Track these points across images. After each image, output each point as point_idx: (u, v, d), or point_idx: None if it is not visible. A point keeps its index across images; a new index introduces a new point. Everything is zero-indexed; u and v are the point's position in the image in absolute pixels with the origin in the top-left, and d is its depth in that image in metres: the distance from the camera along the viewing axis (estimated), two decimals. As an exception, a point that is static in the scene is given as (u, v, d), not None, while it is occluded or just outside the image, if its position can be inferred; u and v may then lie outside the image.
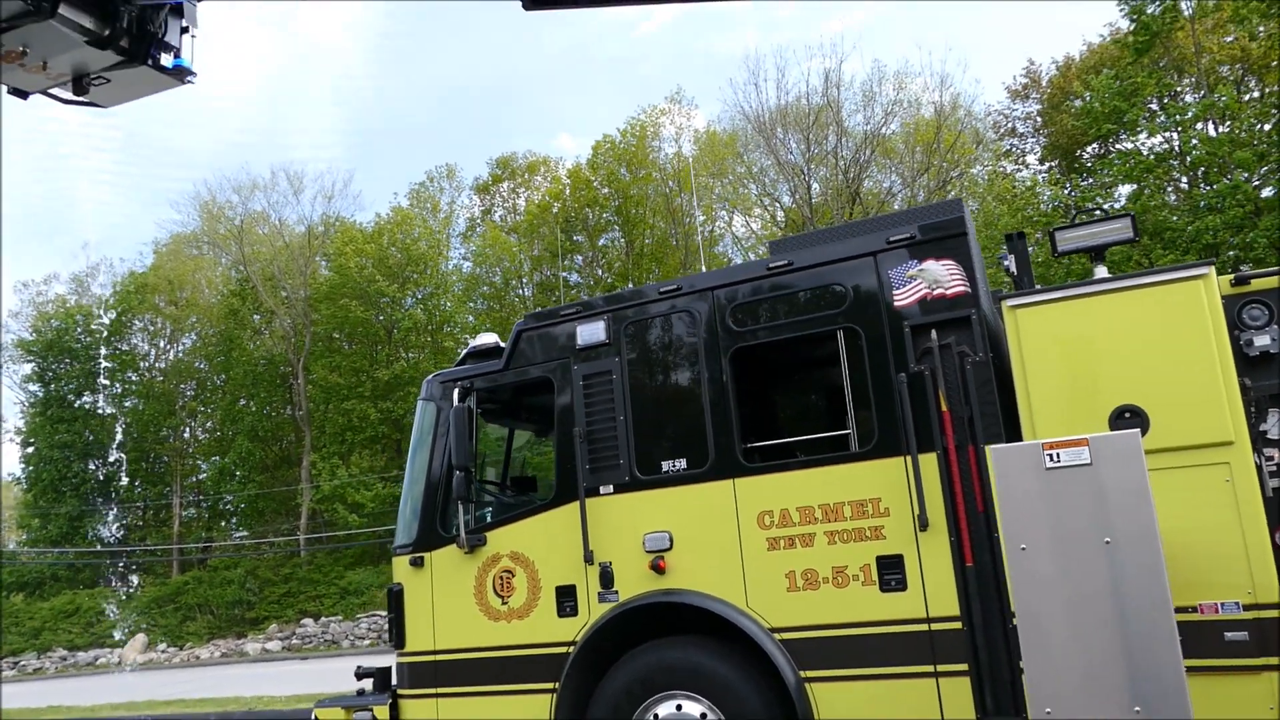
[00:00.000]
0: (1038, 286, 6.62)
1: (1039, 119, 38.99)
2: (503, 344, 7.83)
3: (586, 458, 6.96)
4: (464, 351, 8.15)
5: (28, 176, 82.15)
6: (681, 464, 6.64)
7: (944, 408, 5.89)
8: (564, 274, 44.51)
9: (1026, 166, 37.86)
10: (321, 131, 78.98)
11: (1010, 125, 40.07)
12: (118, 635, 42.07)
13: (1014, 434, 5.78)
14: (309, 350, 46.36)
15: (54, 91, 11.29)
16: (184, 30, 11.46)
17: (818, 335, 6.55)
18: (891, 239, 6.35)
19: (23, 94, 11.27)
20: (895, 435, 6.00)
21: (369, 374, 44.59)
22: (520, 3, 9.20)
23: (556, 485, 7.18)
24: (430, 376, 8.06)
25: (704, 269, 36.34)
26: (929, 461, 5.86)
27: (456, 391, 7.47)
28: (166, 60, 11.01)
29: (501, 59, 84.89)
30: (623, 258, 44.33)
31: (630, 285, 43.23)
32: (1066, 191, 30.78)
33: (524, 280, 46.88)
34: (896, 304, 6.20)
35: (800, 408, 8.88)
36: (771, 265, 6.71)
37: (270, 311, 48.37)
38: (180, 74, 11.13)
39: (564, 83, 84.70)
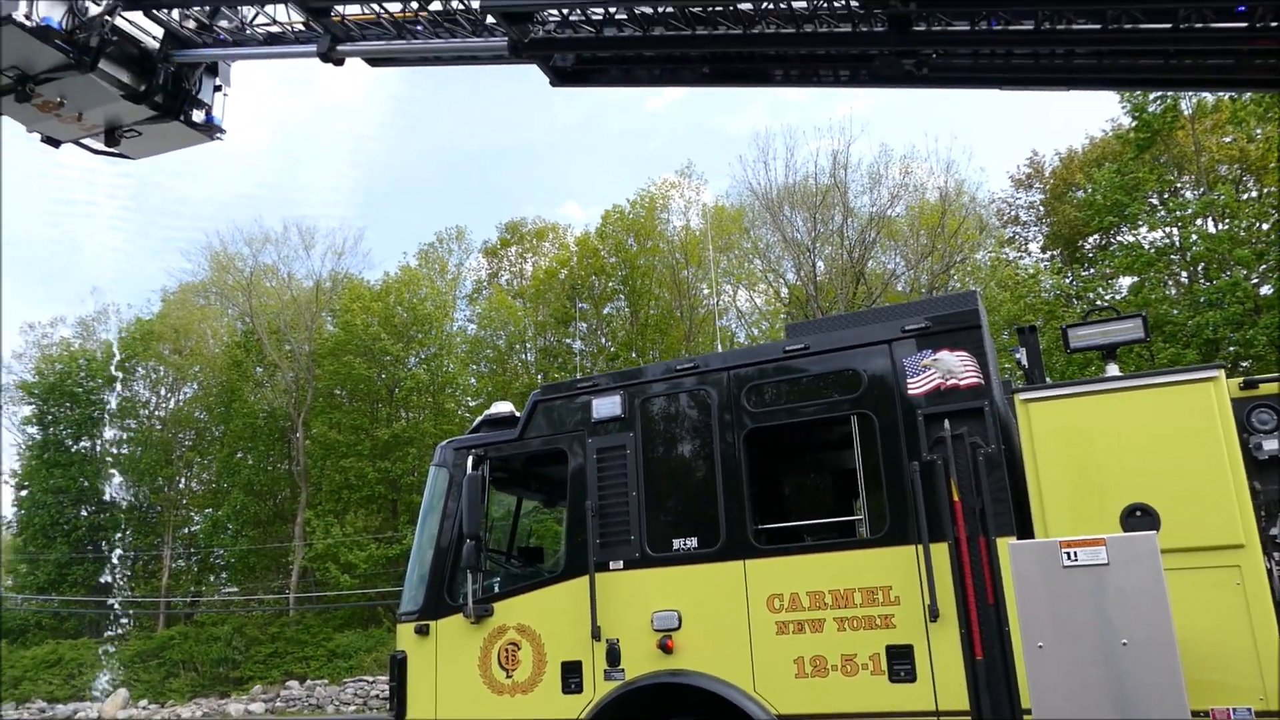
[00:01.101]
0: (1049, 381, 6.75)
1: (1041, 208, 39.61)
2: (518, 413, 7.92)
3: (597, 532, 7.01)
4: (478, 419, 8.23)
5: (37, 219, 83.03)
6: (693, 543, 6.68)
7: (955, 498, 5.96)
8: (568, 341, 44.75)
9: (1029, 254, 38.37)
10: (334, 189, 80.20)
11: (1013, 213, 40.69)
12: (98, 688, 41.28)
13: (1024, 526, 5.84)
14: (310, 405, 46.35)
15: (85, 141, 11.62)
16: (217, 88, 11.81)
17: (832, 419, 6.65)
18: (906, 328, 6.49)
19: (55, 143, 11.59)
20: (907, 523, 6.06)
21: (369, 432, 44.51)
22: (548, 79, 9.49)
23: (566, 558, 7.21)
24: (444, 442, 8.13)
25: (714, 342, 36.57)
26: (940, 551, 5.90)
27: (470, 459, 7.54)
28: (198, 116, 11.37)
29: (513, 127, 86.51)
30: (627, 327, 44.61)
31: (634, 354, 43.47)
32: (1068, 281, 31.17)
33: (528, 345, 47.10)
34: (910, 392, 6.31)
35: (813, 491, 8.94)
36: (788, 348, 6.84)
37: (274, 365, 48.48)
38: (210, 130, 11.53)
39: (574, 153, 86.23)
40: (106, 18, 9.66)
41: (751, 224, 41.62)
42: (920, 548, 5.94)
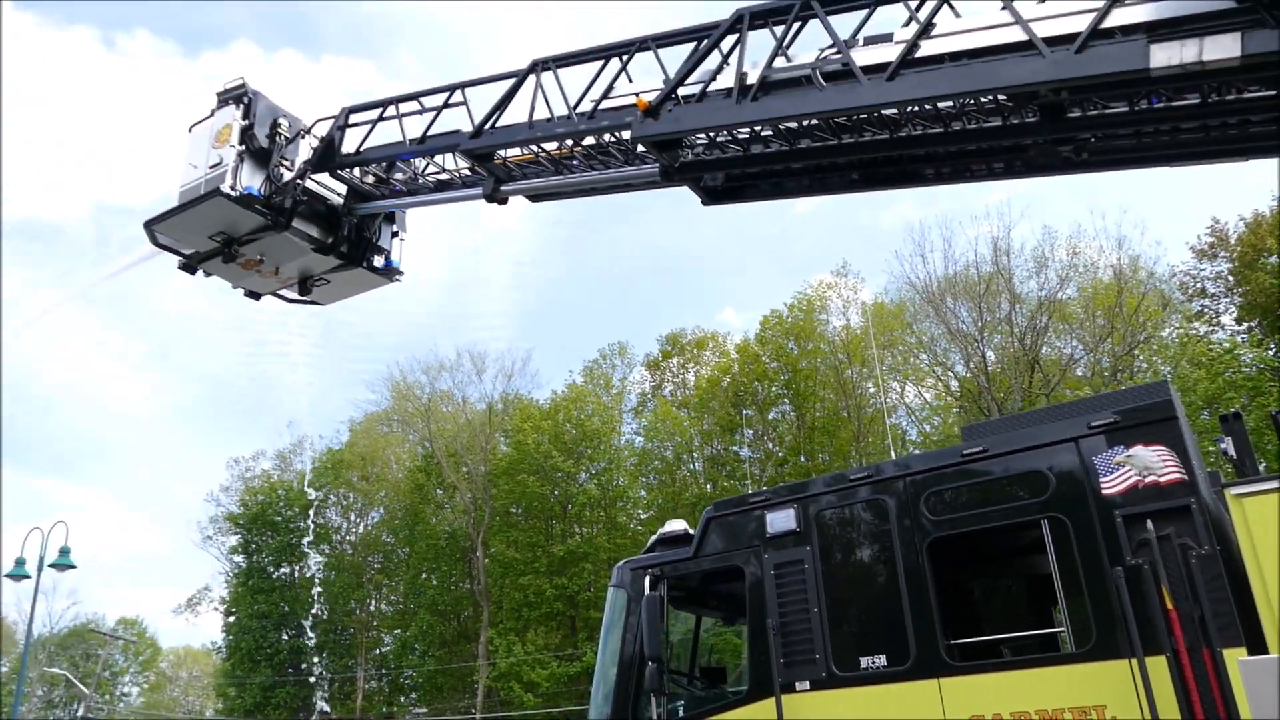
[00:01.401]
0: (1263, 471, 6.21)
1: (1230, 278, 37.04)
2: (691, 531, 7.90)
3: (780, 650, 6.81)
4: (653, 538, 8.25)
5: (236, 361, 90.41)
6: (881, 660, 6.39)
7: (1170, 606, 5.49)
8: (735, 448, 44.53)
9: (1222, 327, 35.75)
10: (500, 314, 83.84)
11: (1199, 285, 38.18)
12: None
13: (1254, 637, 5.30)
14: (488, 525, 47.64)
15: (282, 293, 12.67)
16: (394, 234, 12.71)
17: (1020, 524, 6.31)
18: (1093, 424, 6.15)
19: (256, 296, 12.70)
20: (1115, 635, 5.61)
21: (545, 549, 45.22)
22: (700, 199, 9.74)
23: (750, 679, 7.03)
24: (621, 563, 8.17)
25: (885, 441, 35.57)
26: (1158, 665, 5.42)
27: (647, 579, 7.54)
28: (378, 261, 12.25)
29: (664, 241, 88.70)
30: (794, 431, 44.05)
31: (803, 458, 42.74)
32: (1271, 353, 28.81)
33: (695, 454, 47.13)
34: (1105, 492, 5.93)
35: (1005, 601, 8.45)
36: (966, 452, 6.59)
37: (453, 486, 50.31)
38: (390, 273, 12.38)
39: (726, 260, 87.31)
40: (298, 181, 10.65)
41: (913, 318, 40.77)
42: (1134, 662, 5.47)
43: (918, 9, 7.70)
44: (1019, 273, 37.99)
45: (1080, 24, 6.84)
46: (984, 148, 8.24)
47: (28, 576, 24.67)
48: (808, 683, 6.62)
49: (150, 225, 10.68)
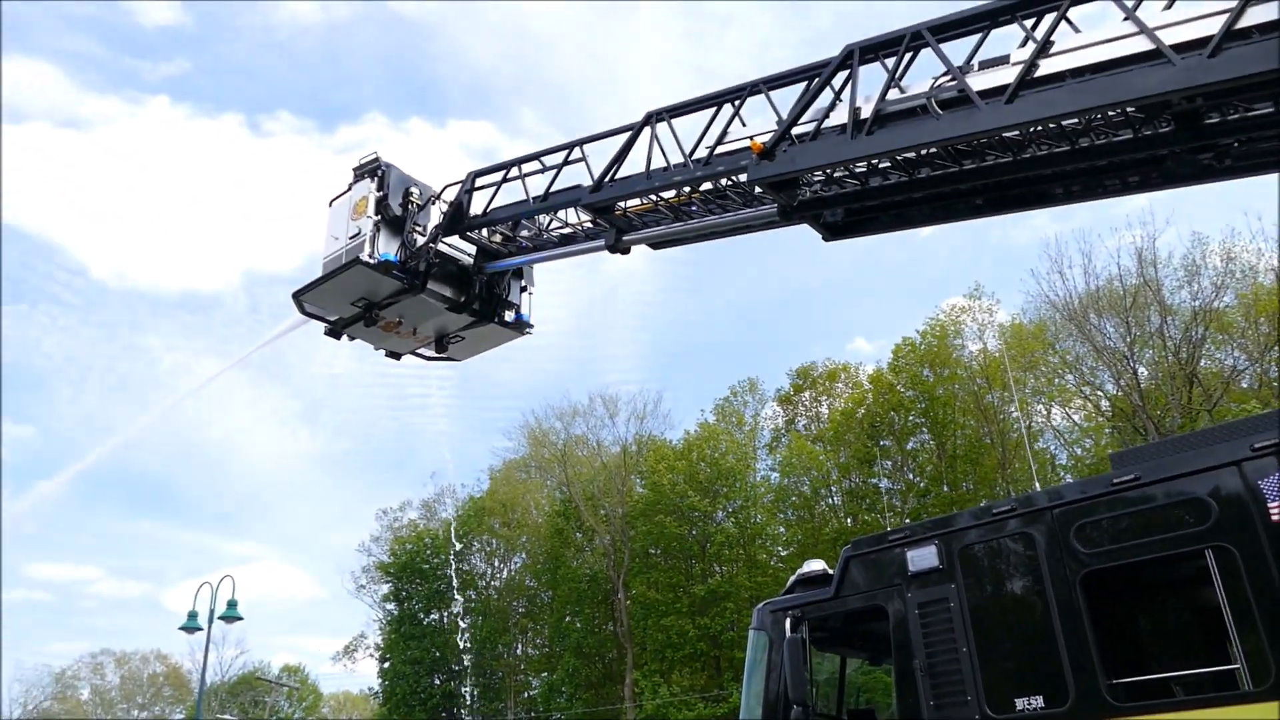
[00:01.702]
0: None
1: None
2: (830, 570, 7.79)
3: (929, 693, 6.62)
4: (791, 579, 8.17)
5: (381, 415, 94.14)
6: (1038, 701, 6.13)
7: (1355, 639, 5.10)
8: (874, 480, 43.54)
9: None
10: (630, 356, 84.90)
11: (1375, 283, 35.39)
12: None
13: None
14: (628, 567, 47.88)
15: (420, 351, 13.22)
16: (523, 289, 13.13)
17: (1181, 555, 5.98)
18: (1257, 445, 5.79)
19: (396, 356, 13.29)
20: (1296, 671, 5.23)
21: (685, 589, 45.09)
22: (820, 235, 9.69)
23: (899, 722, 6.85)
24: (761, 605, 8.12)
25: (1030, 467, 34.15)
26: (1346, 704, 5.03)
27: (788, 621, 7.47)
28: (509, 316, 12.66)
29: (789, 273, 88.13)
30: (934, 460, 42.78)
31: (946, 487, 41.44)
32: None
33: (833, 489, 46.31)
34: (1276, 519, 5.57)
35: (1168, 636, 7.97)
36: (1116, 480, 6.30)
37: (591, 529, 50.87)
38: (520, 327, 12.78)
39: (852, 290, 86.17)
40: (430, 245, 11.15)
41: (1055, 337, 39.14)
42: (1320, 700, 5.10)
43: (1033, 28, 7.54)
44: (1168, 283, 36.07)
45: (1211, 27, 6.57)
46: (1116, 162, 7.95)
47: (200, 629, 26.22)
48: (961, 726, 6.40)
49: (298, 296, 11.37)
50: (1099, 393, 38.51)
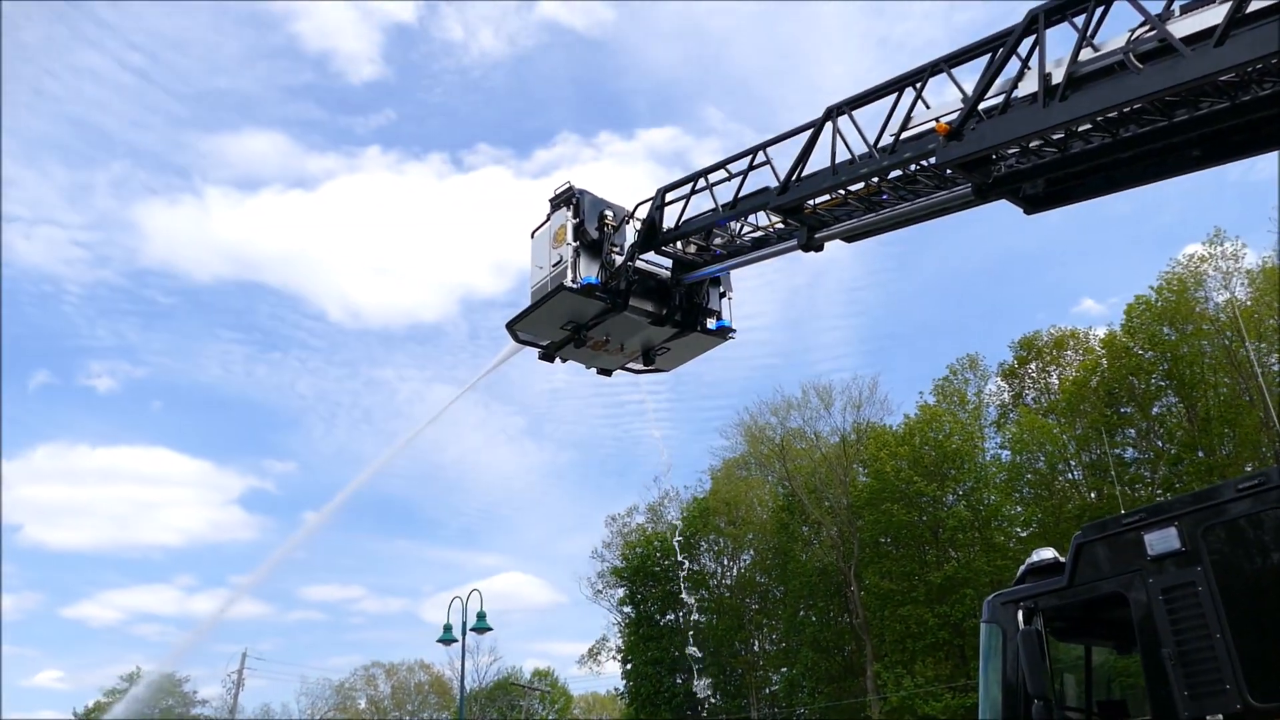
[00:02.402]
0: None
1: None
2: (1061, 558, 7.49)
3: (1183, 682, 6.25)
4: (1021, 569, 7.90)
5: (600, 425, 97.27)
6: (1309, 690, 5.67)
7: None
8: (1115, 451, 40.68)
9: None
10: (840, 343, 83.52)
11: None
12: None
13: None
14: (858, 557, 47.10)
15: (630, 366, 13.71)
16: (722, 295, 13.35)
17: None
18: None
19: (608, 373, 13.83)
20: None
21: (920, 577, 43.86)
22: (1022, 209, 9.31)
23: (1152, 713, 6.50)
24: (991, 597, 7.91)
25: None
26: None
27: (1020, 613, 7.24)
28: (711, 323, 12.89)
29: (999, 241, 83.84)
30: (1184, 425, 39.49)
31: (1200, 453, 38.21)
32: None
33: (1071, 463, 43.67)
34: None
35: None
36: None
37: (816, 522, 50.41)
38: (723, 333, 13.00)
39: (1073, 250, 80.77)
40: (628, 263, 11.54)
41: (1320, 276, 35.26)
42: None
43: (1239, -38, 6.95)
44: None
45: None
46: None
47: (455, 640, 28.16)
48: (1220, 715, 6.01)
49: (511, 325, 12.07)
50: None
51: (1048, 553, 7.73)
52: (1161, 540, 6.61)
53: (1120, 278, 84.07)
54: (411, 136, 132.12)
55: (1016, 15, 8.14)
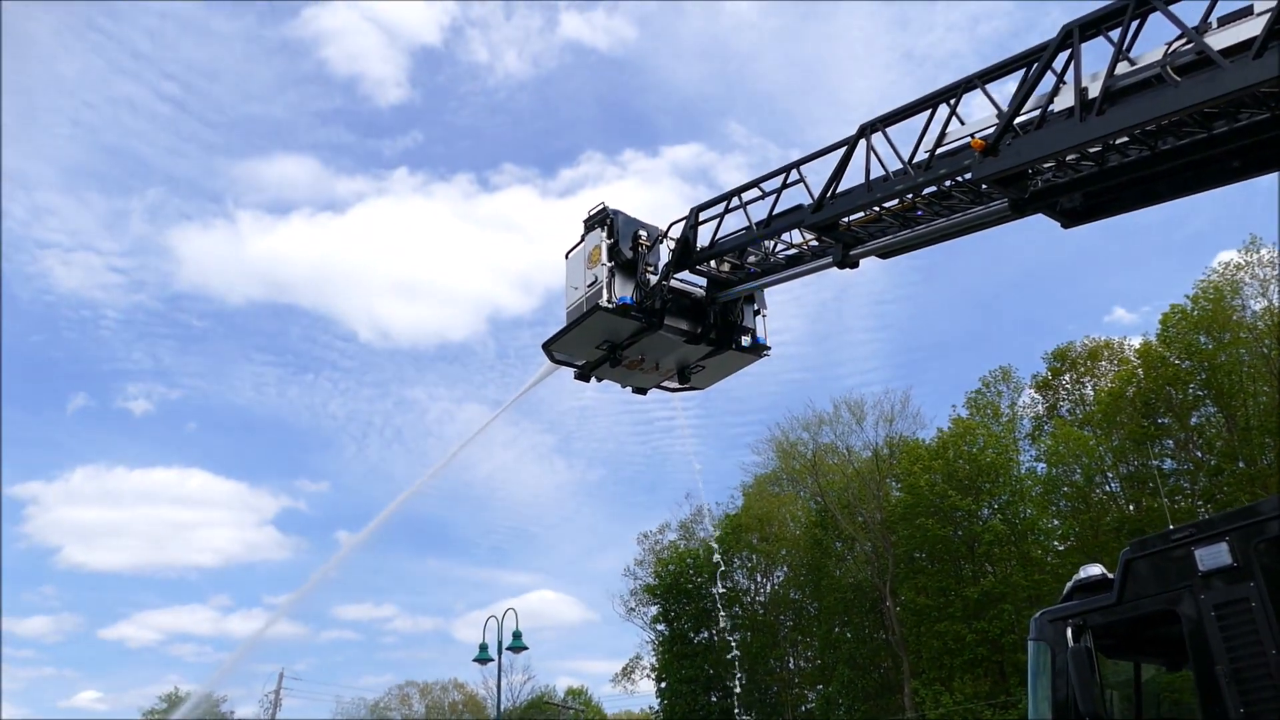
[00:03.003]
0: None
1: None
2: (1109, 574, 7.41)
3: (1238, 700, 6.16)
4: (1069, 585, 7.82)
5: (630, 442, 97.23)
6: (1370, 708, 5.58)
7: None
8: (1154, 463, 40.11)
9: None
10: (870, 356, 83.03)
11: None
12: None
13: None
14: (893, 573, 46.67)
15: (665, 384, 13.72)
16: (756, 313, 13.36)
17: None
18: None
19: (643, 391, 13.86)
20: None
21: (957, 593, 43.37)
22: (1059, 224, 9.28)
23: (1208, 732, 6.41)
24: (1038, 614, 7.82)
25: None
26: None
27: (1069, 630, 7.17)
28: (745, 341, 12.90)
29: (1029, 251, 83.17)
30: (1224, 435, 38.88)
31: (1241, 463, 37.61)
32: None
33: (1108, 475, 43.10)
34: None
35: None
36: None
37: (850, 538, 50.04)
38: (758, 350, 13.00)
39: (1103, 260, 79.95)
40: (663, 283, 11.59)
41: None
42: None
43: (1278, -28, 6.92)
44: None
45: None
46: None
47: (491, 659, 28.17)
48: (1280, 737, 5.93)
49: (547, 346, 12.15)
50: None
51: (1095, 569, 7.65)
52: (1212, 556, 6.53)
53: (1151, 286, 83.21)
54: (438, 158, 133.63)
55: (1041, 27, 8.25)
